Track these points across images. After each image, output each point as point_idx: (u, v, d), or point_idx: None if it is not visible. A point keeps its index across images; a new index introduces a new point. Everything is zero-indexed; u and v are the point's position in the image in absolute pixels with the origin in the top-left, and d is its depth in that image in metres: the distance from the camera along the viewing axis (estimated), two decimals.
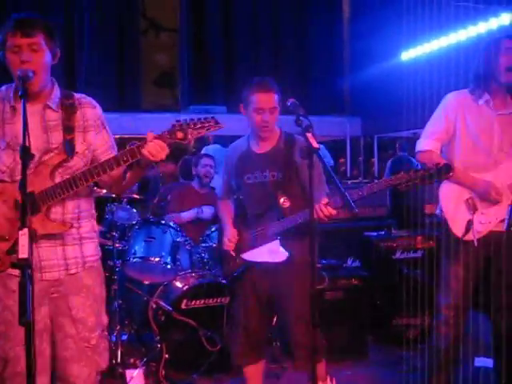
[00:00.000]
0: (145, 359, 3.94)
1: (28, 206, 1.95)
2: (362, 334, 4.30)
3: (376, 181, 2.90)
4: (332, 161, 8.26)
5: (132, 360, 4.00)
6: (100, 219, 4.79)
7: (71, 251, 2.45)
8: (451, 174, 2.74)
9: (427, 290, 3.55)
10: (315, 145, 2.53)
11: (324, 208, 2.79)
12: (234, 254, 3.18)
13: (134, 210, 5.40)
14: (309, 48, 9.68)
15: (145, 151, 2.26)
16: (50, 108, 2.41)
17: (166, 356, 3.86)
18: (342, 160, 10.80)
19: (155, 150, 2.27)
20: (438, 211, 3.28)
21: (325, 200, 2.80)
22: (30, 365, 1.81)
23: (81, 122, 2.45)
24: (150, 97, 8.49)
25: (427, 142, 3.20)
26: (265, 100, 3.02)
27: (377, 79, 7.78)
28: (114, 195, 4.24)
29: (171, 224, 4.27)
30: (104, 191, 4.36)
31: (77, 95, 2.51)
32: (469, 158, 3.17)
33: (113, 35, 8.19)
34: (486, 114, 3.14)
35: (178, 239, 4.18)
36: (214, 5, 9.59)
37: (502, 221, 3.02)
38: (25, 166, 1.99)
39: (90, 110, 2.50)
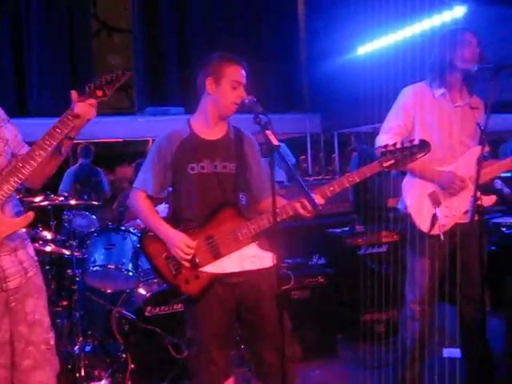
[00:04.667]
0: (110, 371, 3.83)
1: None
2: (330, 332, 4.27)
3: (366, 165, 2.68)
4: (293, 158, 8.25)
5: (96, 372, 3.89)
6: (58, 228, 4.66)
7: (22, 254, 2.39)
8: (428, 149, 2.63)
9: (394, 284, 3.53)
10: (275, 142, 2.40)
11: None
12: (189, 265, 2.64)
13: (94, 217, 5.26)
14: (265, 46, 9.66)
15: (78, 110, 2.26)
16: None
17: (132, 366, 3.75)
18: (303, 157, 10.81)
19: (86, 107, 2.28)
20: (400, 206, 3.26)
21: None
22: None
23: None
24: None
25: (387, 137, 3.13)
26: (242, 74, 2.72)
27: (334, 75, 7.79)
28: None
29: (131, 230, 4.16)
30: (61, 198, 4.22)
31: None
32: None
33: (64, 38, 8.01)
34: (443, 106, 3.14)
35: (138, 245, 4.06)
36: (168, 5, 9.48)
37: (466, 212, 3.00)
38: None
39: None
